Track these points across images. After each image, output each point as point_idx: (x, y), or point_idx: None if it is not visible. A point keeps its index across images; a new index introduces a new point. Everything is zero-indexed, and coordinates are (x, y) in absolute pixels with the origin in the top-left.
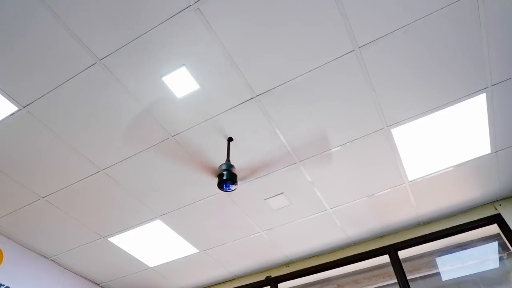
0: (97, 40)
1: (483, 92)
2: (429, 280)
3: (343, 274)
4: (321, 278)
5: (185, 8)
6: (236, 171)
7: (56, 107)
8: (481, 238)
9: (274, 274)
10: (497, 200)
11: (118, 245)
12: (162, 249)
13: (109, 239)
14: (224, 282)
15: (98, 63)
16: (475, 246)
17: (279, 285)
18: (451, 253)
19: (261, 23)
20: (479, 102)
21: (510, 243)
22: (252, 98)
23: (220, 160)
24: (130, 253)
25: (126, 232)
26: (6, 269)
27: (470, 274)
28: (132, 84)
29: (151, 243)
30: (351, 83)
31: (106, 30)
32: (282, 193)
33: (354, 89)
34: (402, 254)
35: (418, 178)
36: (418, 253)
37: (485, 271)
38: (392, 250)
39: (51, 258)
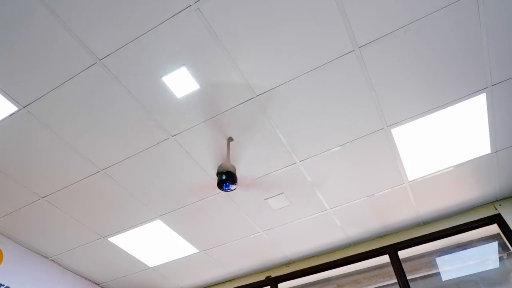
0: (97, 40)
1: (483, 92)
2: (429, 280)
3: (343, 274)
4: (321, 278)
5: (185, 8)
6: (236, 171)
7: (56, 107)
8: (481, 238)
9: (274, 274)
10: (497, 200)
11: (118, 245)
12: (162, 249)
13: (109, 239)
14: (224, 282)
15: (98, 63)
16: (475, 246)
17: (279, 285)
18: (451, 253)
19: (261, 23)
20: (479, 102)
21: (510, 243)
22: (252, 98)
23: (220, 160)
24: (130, 253)
25: (126, 232)
26: (6, 269)
27: (470, 274)
28: (132, 84)
29: (151, 243)
30: (351, 83)
31: (106, 30)
32: (282, 193)
33: (354, 89)
34: (402, 254)
35: (418, 178)
36: (418, 253)
37: (485, 271)
38: (392, 250)
39: (51, 258)
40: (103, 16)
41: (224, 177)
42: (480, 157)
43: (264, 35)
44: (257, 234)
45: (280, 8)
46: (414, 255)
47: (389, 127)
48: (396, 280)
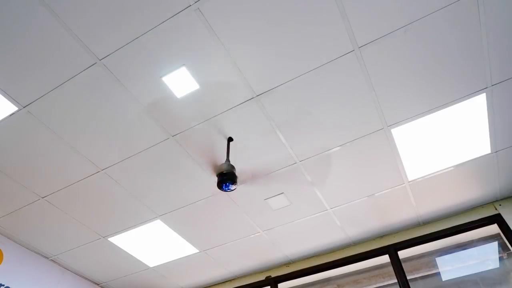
0: (97, 40)
1: (483, 92)
2: (429, 280)
3: (343, 274)
4: (321, 278)
5: (185, 8)
6: (235, 171)
7: (56, 107)
8: (481, 238)
9: (274, 274)
10: (497, 200)
11: (118, 245)
12: (162, 249)
13: (109, 239)
14: (224, 282)
15: (98, 63)
16: (475, 246)
17: (279, 285)
18: (451, 253)
19: (261, 23)
20: (479, 102)
21: (510, 243)
22: (252, 98)
23: (220, 160)
24: (130, 253)
25: (126, 232)
26: (6, 269)
27: (470, 274)
28: (132, 84)
29: (151, 243)
30: (351, 83)
31: (106, 30)
32: (282, 193)
33: (354, 89)
34: (402, 254)
35: (418, 178)
36: (418, 253)
37: (485, 271)
38: (392, 250)
39: (51, 258)
40: (103, 16)
41: (224, 177)
42: (480, 157)
43: (264, 35)
44: (257, 234)
45: (280, 8)
46: (414, 255)
47: (389, 127)
48: (396, 280)
